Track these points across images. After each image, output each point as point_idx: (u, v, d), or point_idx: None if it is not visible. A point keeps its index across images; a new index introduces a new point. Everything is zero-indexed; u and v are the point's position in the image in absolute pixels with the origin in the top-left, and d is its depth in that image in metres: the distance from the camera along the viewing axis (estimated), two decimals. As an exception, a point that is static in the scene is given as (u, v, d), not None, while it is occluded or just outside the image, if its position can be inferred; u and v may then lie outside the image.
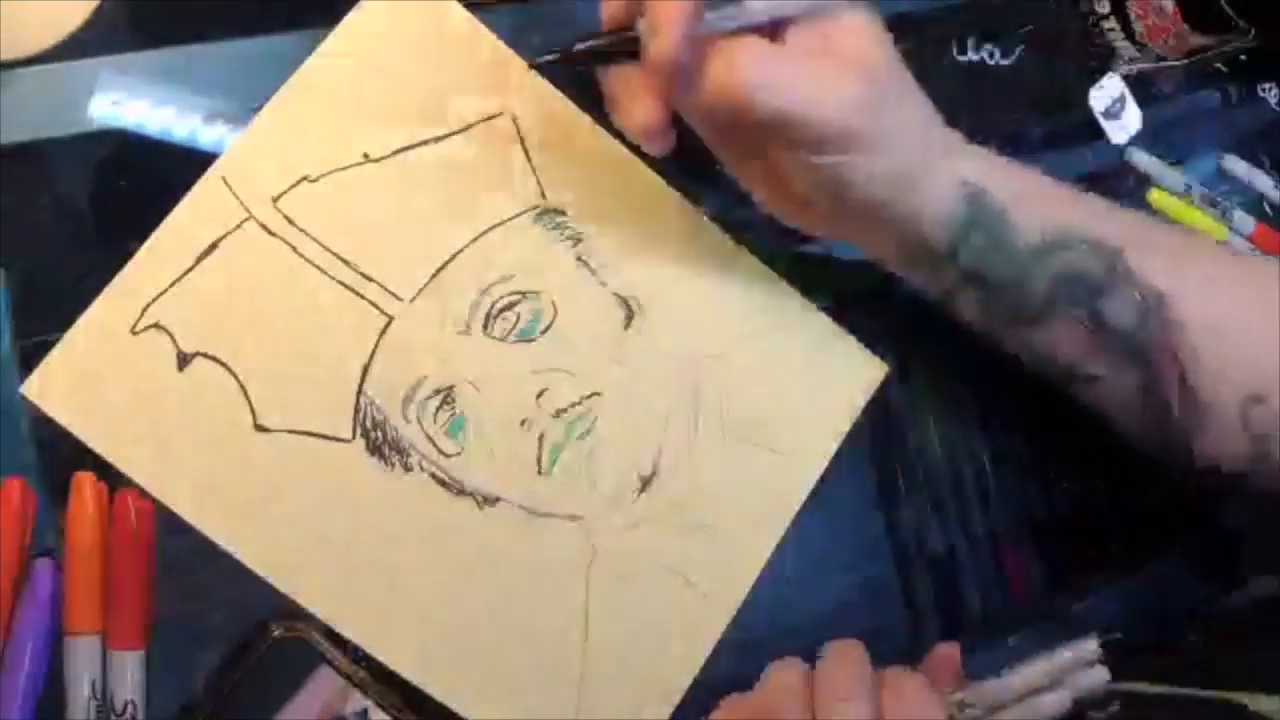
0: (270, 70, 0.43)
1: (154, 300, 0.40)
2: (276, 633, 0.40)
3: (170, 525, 0.39)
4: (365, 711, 0.40)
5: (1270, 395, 0.46)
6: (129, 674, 0.38)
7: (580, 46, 0.40)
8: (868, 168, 0.40)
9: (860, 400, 0.49)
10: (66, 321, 0.40)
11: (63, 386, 0.39)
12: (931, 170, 0.42)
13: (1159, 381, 0.46)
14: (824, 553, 0.48)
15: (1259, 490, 0.48)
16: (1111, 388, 0.47)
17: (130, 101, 0.42)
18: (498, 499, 0.43)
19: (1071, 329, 0.46)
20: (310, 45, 0.44)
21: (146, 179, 0.42)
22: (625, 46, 0.39)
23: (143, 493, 0.39)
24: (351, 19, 0.43)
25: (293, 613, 0.40)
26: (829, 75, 0.38)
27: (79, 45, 0.41)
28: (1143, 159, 0.57)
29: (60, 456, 0.39)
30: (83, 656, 0.38)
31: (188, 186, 0.42)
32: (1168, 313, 0.45)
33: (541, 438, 0.44)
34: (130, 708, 0.38)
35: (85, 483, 0.39)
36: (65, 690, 0.38)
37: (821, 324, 0.48)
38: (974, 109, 0.56)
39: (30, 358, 0.39)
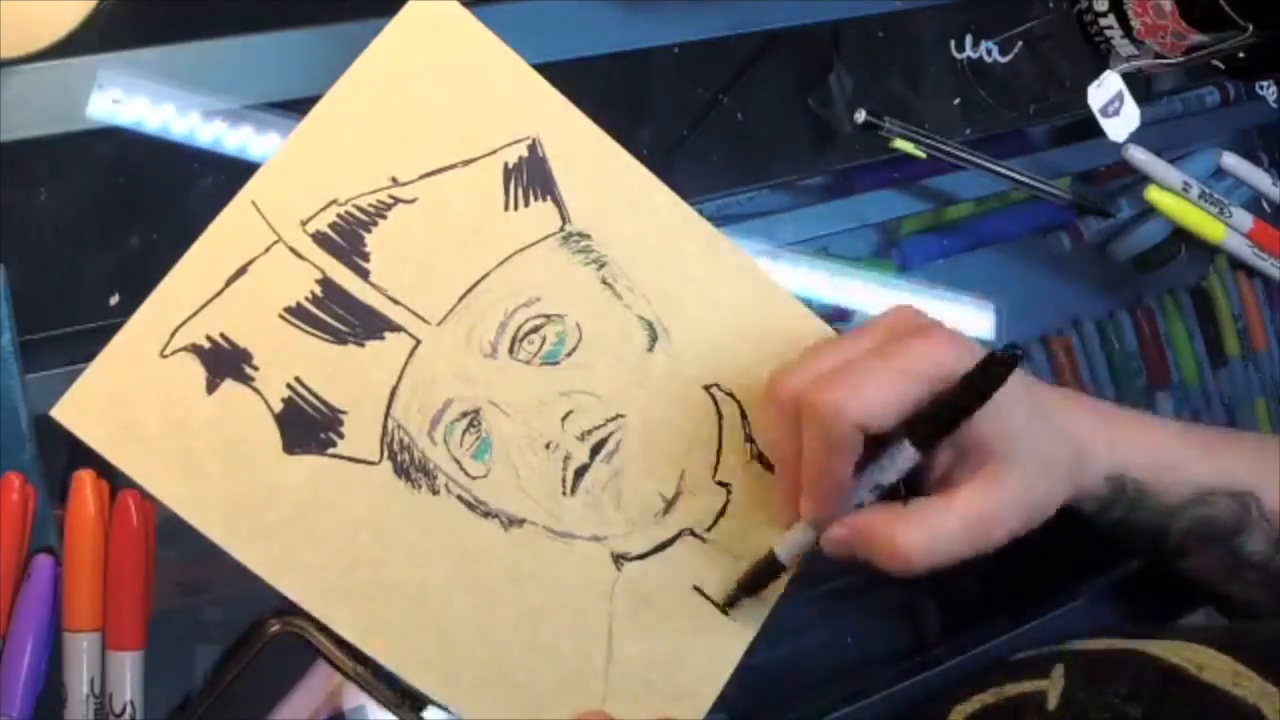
0: (270, 67, 0.44)
1: (183, 324, 0.40)
2: (274, 628, 0.40)
3: (167, 521, 0.39)
4: (363, 708, 0.41)
5: None
6: (128, 674, 0.38)
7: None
8: (1032, 525, 0.43)
9: None
10: (67, 318, 0.41)
11: (93, 410, 0.39)
12: (1078, 479, 0.45)
13: None
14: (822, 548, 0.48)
15: None
16: (1247, 601, 0.50)
17: (129, 99, 0.42)
18: (523, 520, 0.44)
19: (1211, 561, 0.49)
20: (309, 43, 0.44)
21: (146, 176, 0.42)
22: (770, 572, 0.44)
23: (145, 494, 0.39)
24: (379, 43, 0.43)
25: (290, 608, 0.40)
26: (975, 533, 0.40)
27: (78, 43, 0.41)
28: (1141, 156, 0.57)
29: (60, 453, 0.39)
30: (82, 654, 0.38)
31: (187, 184, 0.43)
32: None
33: (566, 459, 0.44)
34: (129, 708, 0.38)
35: (86, 480, 0.39)
36: (64, 688, 0.38)
37: None
38: (972, 107, 0.56)
39: (31, 354, 0.39)
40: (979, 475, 0.41)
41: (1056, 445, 0.43)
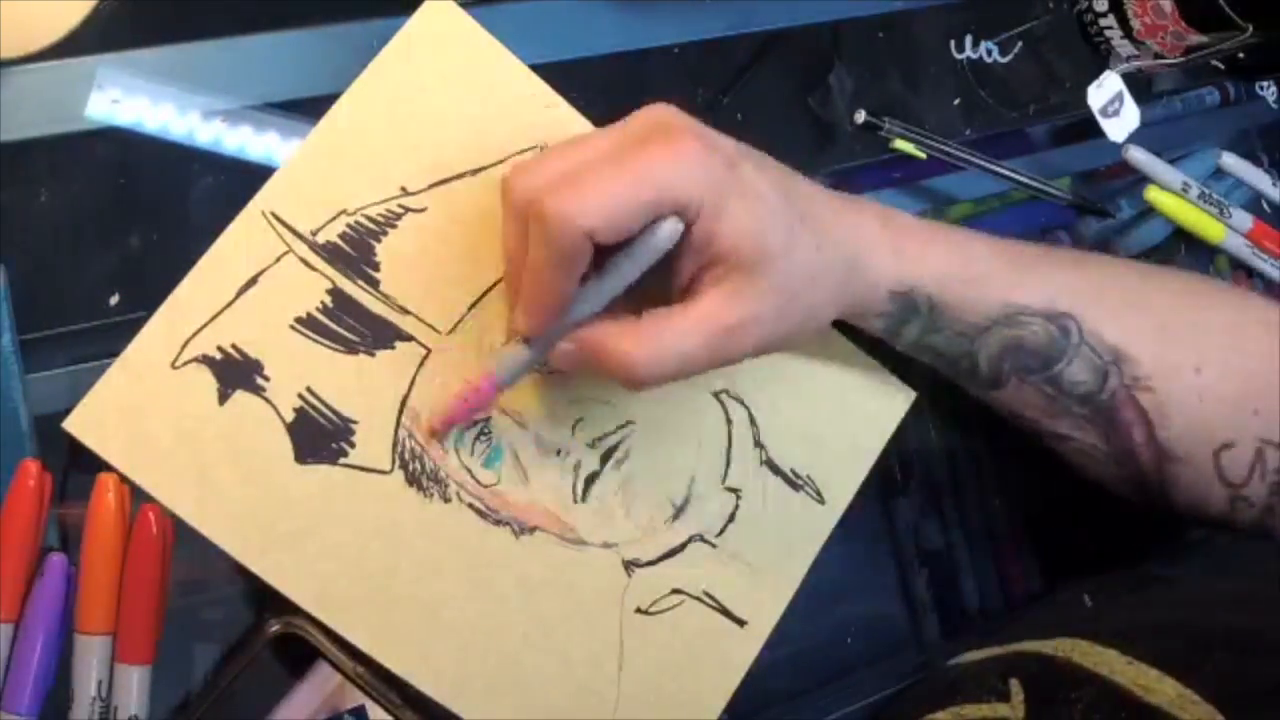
0: (269, 67, 0.44)
1: (194, 335, 0.40)
2: (274, 628, 0.40)
3: (169, 521, 0.39)
4: (363, 708, 0.41)
5: (1240, 441, 0.45)
6: (134, 688, 0.38)
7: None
8: (797, 340, 0.42)
9: (889, 428, 0.49)
10: (66, 317, 0.41)
11: (105, 422, 0.39)
12: (855, 292, 0.42)
13: (1127, 439, 0.46)
14: (822, 547, 0.48)
15: (1244, 528, 0.47)
16: (1081, 445, 0.47)
17: (129, 99, 0.42)
18: (534, 528, 0.44)
19: (1031, 393, 0.46)
20: (309, 43, 0.44)
21: (146, 176, 0.42)
22: None
23: (162, 509, 0.39)
24: (386, 53, 0.43)
25: (290, 608, 0.40)
26: (715, 345, 0.38)
27: (78, 43, 0.41)
28: (1141, 157, 0.57)
29: (61, 452, 0.39)
30: (92, 656, 0.38)
31: (187, 184, 0.43)
32: (1128, 370, 0.45)
33: (577, 467, 0.44)
34: (133, 722, 0.38)
35: (109, 482, 0.39)
36: (71, 689, 0.38)
37: (852, 353, 0.49)
38: (972, 107, 0.56)
39: (31, 354, 0.39)
40: (723, 285, 0.38)
41: (824, 256, 0.40)
